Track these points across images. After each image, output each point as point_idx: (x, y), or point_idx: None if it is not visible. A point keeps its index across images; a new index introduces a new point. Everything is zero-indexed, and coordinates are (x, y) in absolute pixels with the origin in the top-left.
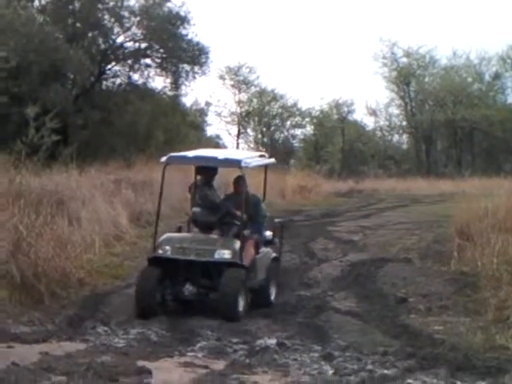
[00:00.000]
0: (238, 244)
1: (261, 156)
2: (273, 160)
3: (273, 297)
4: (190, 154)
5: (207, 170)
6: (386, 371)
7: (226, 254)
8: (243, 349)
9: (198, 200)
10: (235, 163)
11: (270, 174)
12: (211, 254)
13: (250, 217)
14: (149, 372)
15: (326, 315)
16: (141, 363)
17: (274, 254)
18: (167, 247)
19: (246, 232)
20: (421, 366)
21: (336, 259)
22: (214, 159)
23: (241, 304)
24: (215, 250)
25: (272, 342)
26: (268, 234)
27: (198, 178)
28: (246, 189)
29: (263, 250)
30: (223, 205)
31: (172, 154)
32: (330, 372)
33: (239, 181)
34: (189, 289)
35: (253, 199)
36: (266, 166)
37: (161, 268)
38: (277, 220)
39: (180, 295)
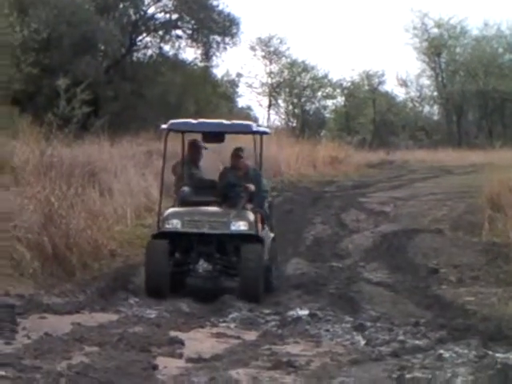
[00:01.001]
0: (251, 215)
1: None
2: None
3: (275, 279)
4: (194, 120)
5: (213, 138)
6: (417, 342)
7: (241, 226)
8: (275, 320)
9: (186, 179)
10: (245, 128)
11: (302, 144)
12: (226, 225)
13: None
14: (181, 342)
15: (358, 286)
16: (173, 334)
17: (272, 234)
18: (175, 221)
19: (250, 206)
20: (452, 336)
21: (367, 230)
22: (221, 125)
23: (262, 283)
24: (230, 222)
25: (304, 312)
26: None
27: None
28: (245, 161)
29: (265, 227)
30: (224, 177)
31: (174, 121)
32: (362, 342)
33: (238, 152)
34: (203, 265)
35: (253, 173)
36: (261, 136)
37: (168, 244)
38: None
39: (193, 273)
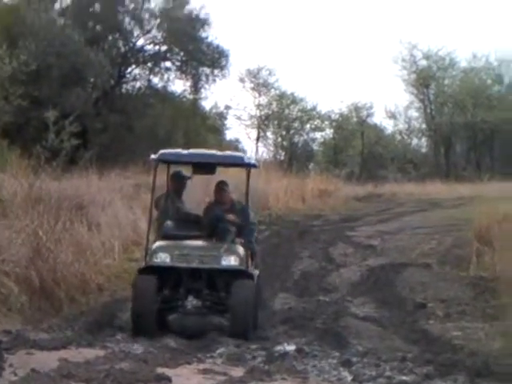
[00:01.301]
0: (242, 250)
1: None
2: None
3: (258, 320)
4: (185, 151)
5: (203, 169)
6: (404, 377)
7: (232, 261)
8: (262, 355)
9: (171, 213)
10: (237, 160)
11: (291, 177)
12: (217, 260)
13: (238, 226)
14: (168, 379)
15: (345, 321)
16: (160, 370)
17: (257, 271)
18: (164, 255)
19: (239, 241)
20: (440, 372)
21: (355, 264)
22: (213, 156)
23: (251, 320)
24: (221, 257)
25: (291, 348)
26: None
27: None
28: (230, 195)
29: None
30: (210, 211)
31: (164, 151)
32: (349, 378)
33: (222, 186)
34: (192, 302)
35: (238, 206)
36: (249, 169)
37: (156, 279)
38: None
39: (182, 309)
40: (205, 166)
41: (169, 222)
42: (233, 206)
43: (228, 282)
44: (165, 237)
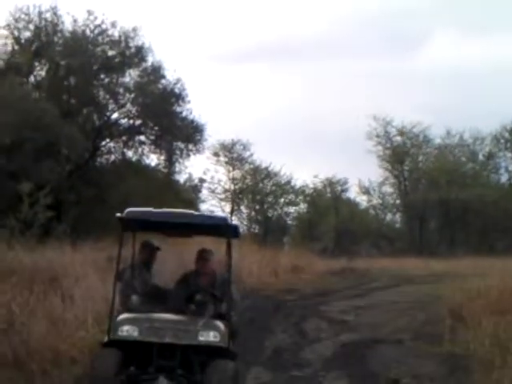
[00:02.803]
0: (223, 326)
1: None
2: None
3: None
4: (156, 210)
5: (178, 231)
6: None
7: (211, 337)
8: None
9: (138, 286)
10: (219, 221)
11: (264, 251)
12: (194, 335)
13: (219, 301)
14: None
15: None
16: None
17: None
18: (131, 328)
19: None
20: None
21: (328, 339)
22: (190, 216)
23: None
24: (198, 331)
25: None
26: None
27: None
28: (213, 266)
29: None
30: (184, 284)
31: (132, 209)
32: None
33: (206, 255)
34: (163, 382)
35: (220, 278)
36: (230, 239)
37: (121, 355)
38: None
39: None
40: (180, 228)
41: (135, 297)
42: (214, 278)
43: (205, 361)
44: (130, 312)
